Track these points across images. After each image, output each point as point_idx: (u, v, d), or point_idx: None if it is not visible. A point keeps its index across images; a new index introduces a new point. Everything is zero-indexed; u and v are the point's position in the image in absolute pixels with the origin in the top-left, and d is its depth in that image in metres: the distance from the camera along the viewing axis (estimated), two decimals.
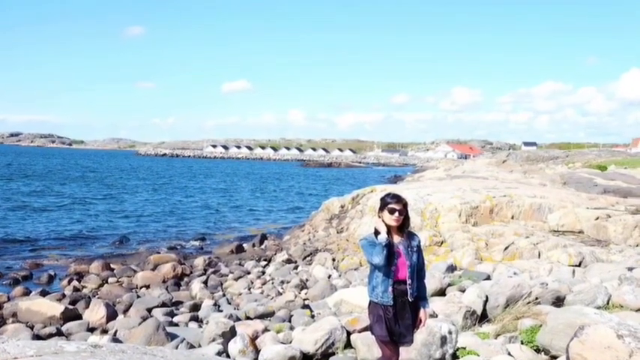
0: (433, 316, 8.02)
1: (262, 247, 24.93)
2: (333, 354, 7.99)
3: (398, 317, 5.21)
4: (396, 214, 5.17)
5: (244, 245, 25.04)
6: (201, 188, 61.65)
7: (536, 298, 8.85)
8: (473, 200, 21.16)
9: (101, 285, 18.08)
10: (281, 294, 15.76)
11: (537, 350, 7.13)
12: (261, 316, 12.23)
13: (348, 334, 8.18)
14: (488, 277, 12.77)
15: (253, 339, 8.59)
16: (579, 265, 14.79)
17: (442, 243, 18.72)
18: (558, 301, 9.07)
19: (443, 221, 19.98)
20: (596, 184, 33.71)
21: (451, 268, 14.42)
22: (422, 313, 5.35)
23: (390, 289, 5.15)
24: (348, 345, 8.05)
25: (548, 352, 6.92)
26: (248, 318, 12.02)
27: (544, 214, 20.48)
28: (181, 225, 33.05)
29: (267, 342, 8.56)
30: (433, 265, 14.90)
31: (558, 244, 16.63)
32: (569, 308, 7.39)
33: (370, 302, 5.33)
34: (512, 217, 20.58)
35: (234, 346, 8.16)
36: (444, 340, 7.02)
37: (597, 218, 19.08)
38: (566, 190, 30.27)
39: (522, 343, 7.39)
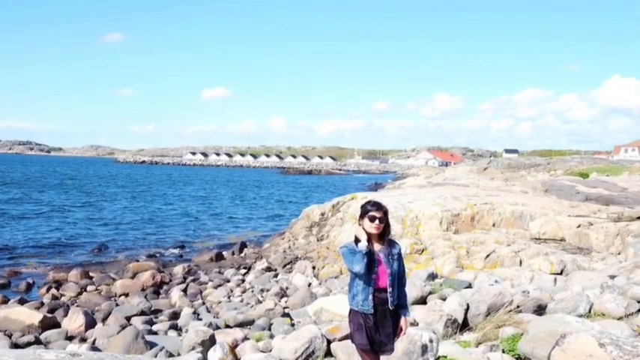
0: (414, 324, 7.97)
1: (242, 255, 24.84)
2: None
3: (379, 325, 5.16)
4: (377, 221, 5.11)
5: (224, 253, 24.94)
6: (180, 196, 61.44)
7: (518, 307, 8.83)
8: (454, 208, 21.20)
9: (80, 293, 17.94)
10: (261, 302, 15.67)
11: (519, 359, 7.10)
12: (241, 325, 12.13)
13: (329, 342, 8.10)
14: (470, 286, 12.74)
15: (233, 347, 8.49)
16: (561, 273, 14.81)
17: (423, 251, 18.70)
18: (540, 310, 9.04)
19: (424, 229, 19.98)
20: (577, 191, 33.97)
21: (432, 276, 14.40)
22: (403, 322, 5.29)
23: (371, 297, 5.09)
24: (328, 354, 7.97)
25: None
26: (227, 326, 11.92)
27: (525, 221, 20.55)
28: (160, 233, 32.89)
29: (246, 350, 8.47)
30: (414, 273, 14.86)
31: (540, 252, 16.66)
32: (550, 317, 7.36)
33: (351, 310, 5.26)
34: (494, 225, 20.63)
35: (214, 355, 8.05)
36: (424, 349, 6.95)
37: (579, 226, 19.16)
38: (547, 197, 30.43)
39: (504, 351, 7.34)
